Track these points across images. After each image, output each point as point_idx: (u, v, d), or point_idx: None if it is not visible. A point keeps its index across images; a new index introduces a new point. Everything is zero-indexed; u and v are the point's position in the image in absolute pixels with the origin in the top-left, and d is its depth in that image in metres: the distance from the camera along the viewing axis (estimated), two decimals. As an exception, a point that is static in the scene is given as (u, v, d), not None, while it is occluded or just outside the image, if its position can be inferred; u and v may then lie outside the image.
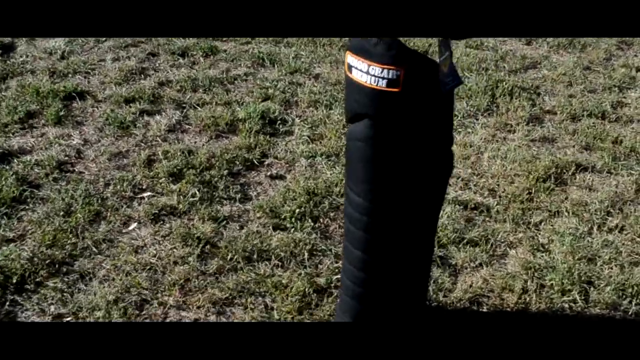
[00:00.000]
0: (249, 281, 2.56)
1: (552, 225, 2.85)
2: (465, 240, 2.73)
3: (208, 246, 2.70)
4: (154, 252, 2.67)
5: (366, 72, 1.82)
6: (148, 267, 2.61)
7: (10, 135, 3.39)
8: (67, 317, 2.41)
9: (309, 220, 2.82)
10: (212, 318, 2.41)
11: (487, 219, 2.88)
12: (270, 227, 2.80)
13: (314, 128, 3.46)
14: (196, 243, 2.70)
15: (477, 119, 3.59)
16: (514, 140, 3.43)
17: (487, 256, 2.69)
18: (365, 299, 2.20)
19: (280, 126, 3.51)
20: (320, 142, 3.34)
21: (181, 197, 2.95)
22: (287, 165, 3.21)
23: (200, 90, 3.81)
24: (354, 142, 1.99)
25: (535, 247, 2.74)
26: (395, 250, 2.10)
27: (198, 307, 2.45)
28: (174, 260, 2.63)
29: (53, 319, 2.41)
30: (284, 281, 2.54)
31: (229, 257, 2.65)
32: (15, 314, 2.43)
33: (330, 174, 3.07)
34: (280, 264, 2.64)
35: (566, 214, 2.92)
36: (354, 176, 2.03)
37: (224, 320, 2.41)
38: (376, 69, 1.80)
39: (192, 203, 2.92)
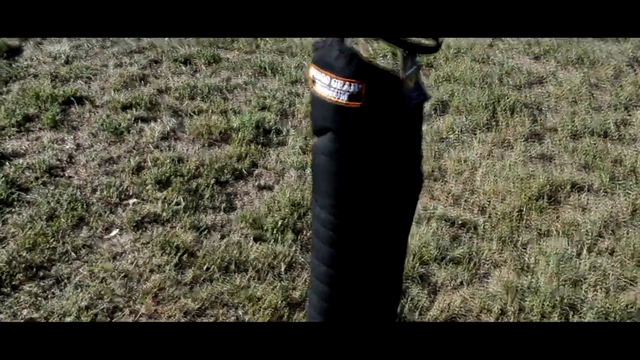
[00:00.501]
0: (223, 292, 2.53)
1: (539, 246, 2.79)
2: (448, 258, 2.68)
3: (186, 255, 2.68)
4: (132, 259, 2.66)
5: (328, 86, 1.79)
6: (124, 274, 2.59)
7: (7, 138, 3.41)
8: (40, 320, 2.39)
9: (291, 233, 2.78)
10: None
11: (474, 236, 2.83)
12: (252, 238, 2.78)
13: (308, 139, 3.42)
14: (175, 252, 2.68)
15: (475, 134, 3.53)
16: (510, 156, 3.37)
17: (469, 275, 2.64)
18: (332, 314, 2.16)
19: (274, 136, 3.49)
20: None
21: (166, 204, 2.94)
22: (277, 175, 3.19)
23: (198, 98, 3.80)
24: (319, 156, 1.96)
25: (520, 268, 2.68)
26: (361, 267, 2.06)
27: (169, 317, 2.43)
28: (151, 269, 2.62)
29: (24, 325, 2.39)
30: (258, 293, 2.51)
31: (205, 267, 2.63)
32: (-12, 316, 2.41)
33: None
34: (257, 275, 2.62)
35: (556, 234, 2.86)
36: (319, 190, 2.00)
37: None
38: (338, 83, 1.77)
39: (176, 211, 2.90)
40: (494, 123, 3.63)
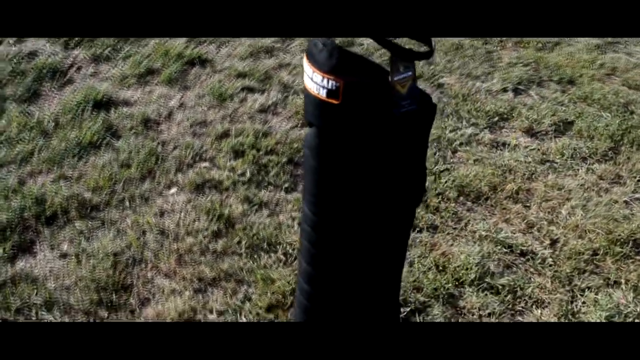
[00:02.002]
0: (242, 268, 2.53)
1: (598, 296, 2.48)
2: (487, 285, 2.47)
3: (226, 225, 2.71)
4: (176, 219, 2.74)
5: (311, 79, 1.73)
6: (162, 230, 2.67)
7: (125, 87, 3.64)
8: (70, 258, 2.55)
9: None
10: (188, 293, 2.42)
11: (529, 269, 2.58)
12: (296, 223, 2.74)
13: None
14: (217, 220, 2.72)
15: (586, 162, 3.20)
16: (615, 193, 3.01)
17: (502, 308, 2.41)
18: (313, 313, 2.10)
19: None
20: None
21: (231, 174, 2.99)
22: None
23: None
24: (304, 150, 1.91)
25: (563, 314, 2.40)
26: (340, 268, 1.98)
27: (183, 279, 2.47)
28: (188, 231, 2.68)
29: (60, 257, 2.56)
30: (274, 276, 2.48)
31: (237, 240, 2.64)
32: (34, 242, 2.61)
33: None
34: (283, 259, 2.58)
35: (624, 287, 2.52)
36: (304, 185, 1.96)
37: (199, 299, 2.43)
38: (318, 77, 1.70)
39: (238, 182, 2.94)
40: (612, 155, 3.25)
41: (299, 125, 3.39)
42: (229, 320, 2.33)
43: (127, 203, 2.81)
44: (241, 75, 3.76)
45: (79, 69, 3.79)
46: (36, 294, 2.40)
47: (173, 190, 2.91)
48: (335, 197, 1.86)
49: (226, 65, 3.88)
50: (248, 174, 2.98)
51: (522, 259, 2.65)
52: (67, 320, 2.32)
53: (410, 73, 1.70)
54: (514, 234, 2.74)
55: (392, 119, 1.68)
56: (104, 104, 3.45)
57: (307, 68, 1.73)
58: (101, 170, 2.96)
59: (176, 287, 2.45)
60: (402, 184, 1.87)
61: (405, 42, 1.68)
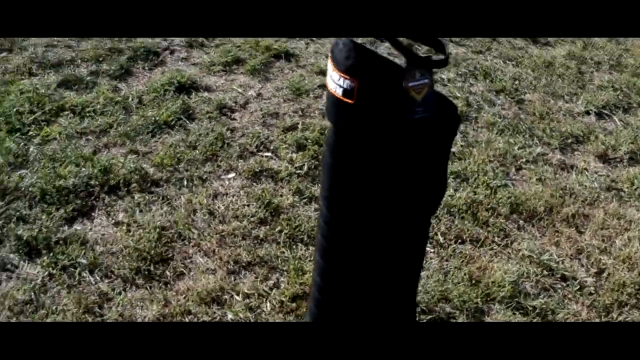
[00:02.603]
0: (278, 256, 2.61)
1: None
2: (516, 305, 2.44)
3: (272, 214, 2.80)
4: (227, 202, 2.86)
5: (330, 78, 1.79)
6: (211, 211, 2.80)
7: (211, 73, 3.81)
8: (122, 226, 2.72)
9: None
10: (221, 273, 2.53)
11: (568, 294, 2.52)
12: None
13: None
14: (265, 208, 2.81)
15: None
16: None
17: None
18: (323, 306, 2.15)
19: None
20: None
21: (289, 166, 3.07)
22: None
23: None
24: (324, 147, 1.97)
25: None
26: (350, 265, 2.02)
27: (220, 259, 2.59)
28: (236, 215, 2.79)
29: (114, 225, 2.74)
30: (306, 268, 2.54)
31: (278, 229, 2.72)
32: (93, 208, 2.81)
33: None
34: (320, 253, 2.63)
35: (667, 328, 2.40)
36: (322, 181, 2.02)
37: (231, 280, 2.54)
38: (336, 76, 1.75)
39: (294, 174, 3.02)
40: (694, 191, 3.09)
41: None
42: (252, 304, 2.40)
43: (185, 182, 2.95)
44: (322, 72, 3.83)
45: (172, 52, 3.99)
46: (84, 254, 2.56)
47: (231, 175, 3.02)
48: (348, 195, 1.90)
49: (310, 61, 3.97)
50: (305, 168, 3.05)
51: (562, 283, 2.58)
52: (105, 283, 2.46)
53: (426, 81, 1.72)
54: (560, 257, 2.67)
55: (405, 123, 1.70)
56: (186, 88, 3.61)
57: (329, 66, 1.78)
58: (168, 149, 3.11)
59: (211, 266, 2.55)
60: (415, 189, 1.88)
61: (424, 50, 1.69)
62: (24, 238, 2.61)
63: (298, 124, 3.37)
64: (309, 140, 3.22)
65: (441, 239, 2.71)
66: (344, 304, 2.10)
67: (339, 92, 1.73)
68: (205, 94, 3.59)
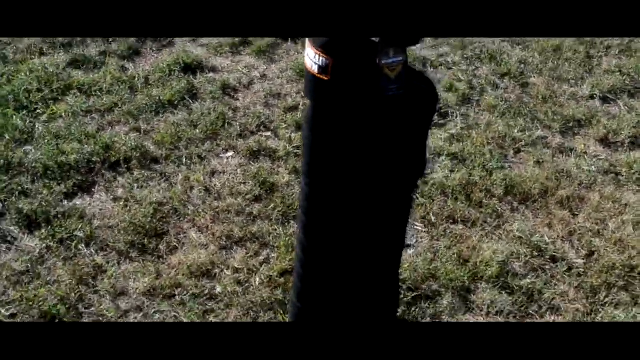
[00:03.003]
0: (270, 233, 2.66)
1: (618, 311, 2.40)
2: (503, 284, 2.46)
3: (267, 192, 2.84)
4: (224, 180, 2.92)
5: (307, 55, 1.82)
6: (207, 188, 2.86)
7: (217, 55, 3.86)
8: (120, 202, 2.79)
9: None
10: (213, 248, 2.58)
11: (556, 275, 2.54)
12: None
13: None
14: (261, 186, 2.86)
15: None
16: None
17: (512, 309, 2.40)
18: (305, 280, 2.18)
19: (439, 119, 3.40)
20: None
21: (288, 145, 3.12)
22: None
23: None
24: (303, 123, 2.01)
25: (579, 319, 2.36)
26: (330, 240, 2.06)
27: (212, 235, 2.64)
28: (232, 192, 2.85)
29: (112, 200, 2.81)
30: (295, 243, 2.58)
31: (272, 206, 2.77)
32: (94, 184, 2.88)
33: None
34: (311, 231, 2.67)
35: (650, 311, 2.42)
36: (302, 157, 2.05)
37: (222, 255, 2.61)
38: (311, 53, 1.78)
39: (292, 153, 3.06)
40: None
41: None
42: (241, 279, 2.45)
43: (184, 160, 3.01)
44: (328, 54, 3.85)
45: (180, 33, 4.04)
46: (81, 228, 2.63)
47: (230, 153, 3.07)
48: (326, 170, 1.93)
49: (316, 43, 3.98)
50: (304, 148, 3.08)
51: (551, 264, 2.59)
52: (100, 256, 2.53)
53: (400, 58, 1.74)
54: (551, 239, 2.68)
55: (380, 99, 1.73)
56: (192, 68, 3.66)
57: (307, 43, 1.81)
58: (170, 127, 3.17)
59: (204, 241, 2.61)
60: (393, 166, 1.90)
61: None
62: (24, 211, 2.68)
63: (299, 104, 3.40)
64: (309, 121, 3.24)
65: (433, 219, 2.73)
66: (326, 278, 2.14)
67: (315, 69, 1.76)
68: (211, 74, 3.64)
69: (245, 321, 2.31)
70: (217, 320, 2.32)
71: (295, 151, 3.07)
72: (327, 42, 1.71)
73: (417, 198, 2.81)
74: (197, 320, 2.29)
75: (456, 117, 3.35)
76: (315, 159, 1.91)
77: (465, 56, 3.89)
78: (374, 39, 1.73)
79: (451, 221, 2.73)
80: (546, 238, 2.67)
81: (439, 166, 3.03)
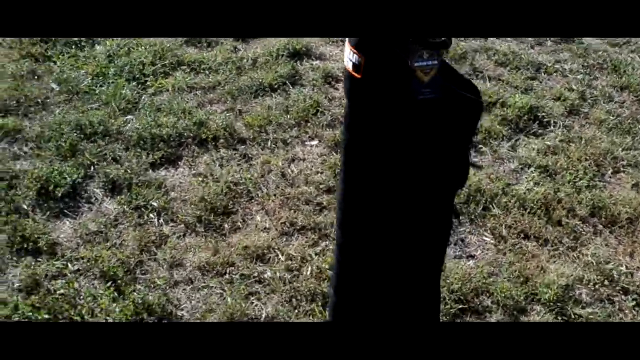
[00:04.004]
0: (333, 225, 2.68)
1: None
2: (559, 309, 2.35)
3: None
4: (302, 167, 2.97)
5: (345, 51, 1.83)
6: (284, 174, 2.92)
7: (328, 43, 3.91)
8: (199, 177, 2.91)
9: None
10: (274, 233, 2.64)
11: (625, 309, 2.38)
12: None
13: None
14: (335, 178, 2.89)
15: None
16: None
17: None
18: (342, 279, 2.18)
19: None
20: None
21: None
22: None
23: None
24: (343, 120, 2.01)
25: None
26: (365, 240, 2.06)
27: (277, 220, 2.71)
28: (306, 180, 2.89)
29: (192, 175, 2.94)
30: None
31: (341, 199, 2.78)
32: (180, 158, 3.03)
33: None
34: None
35: None
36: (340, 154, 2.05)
37: (282, 240, 2.66)
38: (347, 50, 1.79)
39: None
40: None
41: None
42: (293, 266, 2.48)
43: (269, 143, 3.08)
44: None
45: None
46: (157, 198, 2.77)
47: (314, 142, 3.10)
48: (358, 169, 1.91)
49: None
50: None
51: (621, 296, 2.43)
52: (168, 226, 2.65)
53: (435, 62, 1.70)
54: (629, 269, 2.50)
55: (412, 102, 1.70)
56: (300, 54, 3.73)
57: (346, 41, 1.81)
58: (263, 110, 3.25)
59: (267, 225, 2.66)
60: (426, 172, 1.86)
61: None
62: (110, 176, 2.86)
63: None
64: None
65: (504, 232, 2.63)
66: (358, 275, 2.11)
67: (349, 66, 1.75)
68: (317, 62, 3.69)
69: (284, 308, 2.32)
70: (257, 303, 2.35)
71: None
72: (361, 40, 1.69)
73: (492, 208, 2.70)
74: (238, 301, 2.33)
75: (557, 129, 3.18)
76: (349, 157, 1.90)
77: (585, 64, 3.68)
78: (407, 40, 1.69)
79: (523, 236, 2.61)
80: (623, 267, 2.49)
81: (525, 178, 2.89)
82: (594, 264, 2.48)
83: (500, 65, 3.73)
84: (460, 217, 2.68)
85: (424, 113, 1.70)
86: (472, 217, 2.69)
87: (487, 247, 2.57)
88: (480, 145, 3.07)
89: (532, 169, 2.93)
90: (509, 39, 3.97)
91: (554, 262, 2.49)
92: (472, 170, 2.87)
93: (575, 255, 2.54)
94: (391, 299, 2.08)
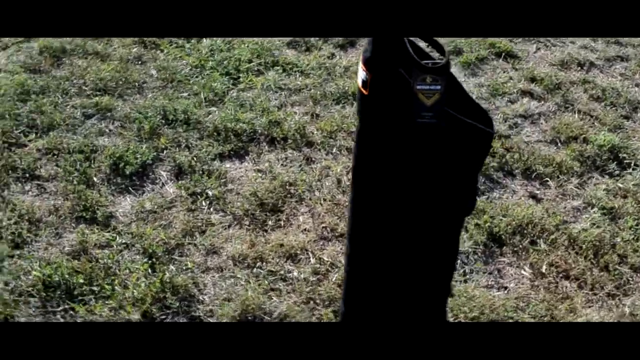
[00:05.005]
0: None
1: None
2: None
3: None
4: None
5: (358, 70, 1.89)
6: (339, 180, 2.99)
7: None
8: (259, 173, 3.04)
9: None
10: (313, 235, 2.71)
11: None
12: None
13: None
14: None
15: None
16: None
17: None
18: (350, 291, 2.22)
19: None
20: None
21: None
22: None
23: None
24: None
25: None
26: (368, 256, 2.09)
27: (320, 224, 2.78)
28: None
29: (254, 171, 3.07)
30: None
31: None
32: (247, 152, 3.18)
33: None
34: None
35: None
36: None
37: (318, 244, 2.72)
38: (360, 66, 1.86)
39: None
40: None
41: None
42: (320, 270, 2.54)
43: (334, 150, 3.14)
44: (533, 79, 3.69)
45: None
46: (214, 187, 2.91)
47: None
48: (367, 183, 1.95)
49: (529, 66, 3.83)
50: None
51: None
52: (217, 215, 2.79)
53: (437, 87, 1.72)
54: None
55: (411, 124, 1.72)
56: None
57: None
58: (338, 118, 3.32)
59: (308, 227, 2.73)
60: (428, 194, 1.87)
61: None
62: (177, 161, 3.03)
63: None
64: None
65: (545, 269, 2.54)
66: (365, 287, 2.13)
67: (359, 82, 1.79)
68: (406, 76, 3.68)
69: (298, 308, 2.38)
70: (275, 300, 2.42)
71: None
72: (369, 57, 1.74)
73: (540, 243, 2.62)
74: (258, 295, 2.41)
75: (637, 172, 3.02)
76: (357, 171, 1.93)
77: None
78: (409, 62, 1.70)
79: (563, 276, 2.52)
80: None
81: (585, 217, 2.78)
82: (631, 315, 2.34)
83: (595, 100, 3.57)
84: (503, 248, 2.62)
85: (424, 137, 1.71)
86: (516, 249, 2.61)
87: (523, 281, 2.49)
88: (546, 178, 2.96)
89: (594, 209, 2.80)
90: (613, 73, 3.79)
91: (589, 306, 2.38)
92: (529, 201, 2.79)
93: (613, 303, 2.41)
94: (396, 313, 2.07)
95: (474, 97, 3.20)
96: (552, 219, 2.71)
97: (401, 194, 1.85)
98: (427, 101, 1.68)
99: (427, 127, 1.69)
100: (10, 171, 2.95)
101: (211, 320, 2.33)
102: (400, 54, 1.69)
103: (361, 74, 1.74)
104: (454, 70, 3.58)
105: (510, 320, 2.32)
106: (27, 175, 2.94)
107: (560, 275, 2.52)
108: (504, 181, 2.95)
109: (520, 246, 2.61)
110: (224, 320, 2.32)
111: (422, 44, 1.68)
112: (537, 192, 2.90)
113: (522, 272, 2.53)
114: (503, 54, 3.90)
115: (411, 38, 1.70)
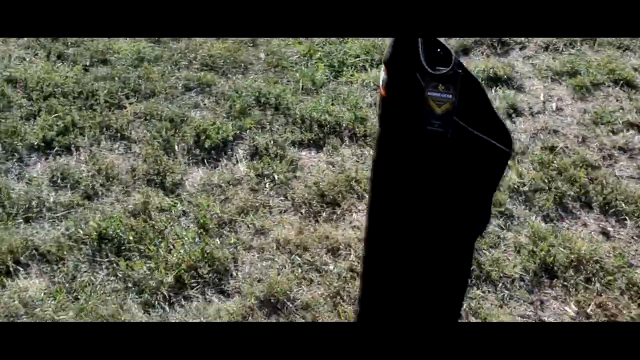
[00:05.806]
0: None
1: None
2: None
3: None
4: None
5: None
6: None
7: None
8: (330, 165, 3.10)
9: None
10: (359, 233, 2.74)
11: None
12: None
13: None
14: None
15: None
16: None
17: None
18: (365, 291, 2.24)
19: None
20: None
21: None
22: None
23: None
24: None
25: None
26: (382, 262, 2.09)
27: (371, 224, 2.79)
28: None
29: (326, 162, 3.14)
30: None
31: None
32: (325, 144, 3.24)
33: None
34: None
35: None
36: None
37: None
38: (382, 67, 1.88)
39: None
40: None
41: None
42: (356, 268, 2.55)
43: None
44: (629, 83, 3.47)
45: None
46: (283, 172, 3.00)
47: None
48: (382, 189, 1.95)
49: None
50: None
51: None
52: (277, 199, 2.87)
53: (449, 96, 1.71)
54: None
55: (420, 130, 1.72)
56: (500, 80, 3.66)
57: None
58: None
59: (359, 225, 2.75)
60: (436, 206, 1.85)
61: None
62: (255, 142, 3.15)
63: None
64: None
65: (591, 309, 2.41)
66: (379, 290, 2.13)
67: (381, 82, 1.80)
68: (509, 91, 3.59)
69: (322, 301, 2.40)
70: (302, 289, 2.46)
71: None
72: (389, 59, 1.74)
73: (594, 282, 2.48)
74: (288, 280, 2.46)
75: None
76: (374, 175, 1.93)
77: None
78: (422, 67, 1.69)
79: (608, 317, 2.37)
80: None
81: (651, 262, 2.59)
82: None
83: None
84: (554, 280, 2.50)
85: (433, 146, 1.69)
86: (567, 283, 2.48)
87: (563, 318, 2.37)
88: (624, 216, 2.78)
89: (666, 255, 2.59)
90: None
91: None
92: (598, 237, 2.65)
93: None
94: (406, 316, 2.06)
95: (574, 122, 3.06)
96: (616, 260, 2.54)
97: (413, 201, 1.83)
98: (437, 109, 1.65)
99: (435, 135, 1.66)
100: (104, 129, 3.16)
101: (238, 296, 2.39)
102: (416, 57, 1.66)
103: (382, 75, 1.73)
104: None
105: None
106: (118, 135, 3.15)
107: (606, 315, 2.35)
108: (578, 212, 2.79)
109: (572, 282, 2.47)
110: (248, 300, 2.37)
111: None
112: (611, 229, 2.72)
113: (566, 308, 2.40)
114: (622, 81, 3.65)
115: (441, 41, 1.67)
